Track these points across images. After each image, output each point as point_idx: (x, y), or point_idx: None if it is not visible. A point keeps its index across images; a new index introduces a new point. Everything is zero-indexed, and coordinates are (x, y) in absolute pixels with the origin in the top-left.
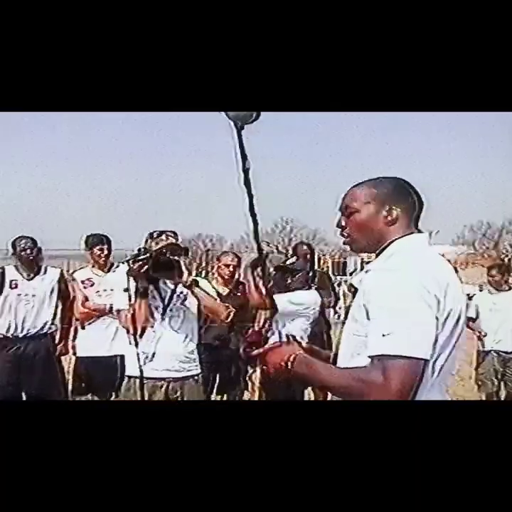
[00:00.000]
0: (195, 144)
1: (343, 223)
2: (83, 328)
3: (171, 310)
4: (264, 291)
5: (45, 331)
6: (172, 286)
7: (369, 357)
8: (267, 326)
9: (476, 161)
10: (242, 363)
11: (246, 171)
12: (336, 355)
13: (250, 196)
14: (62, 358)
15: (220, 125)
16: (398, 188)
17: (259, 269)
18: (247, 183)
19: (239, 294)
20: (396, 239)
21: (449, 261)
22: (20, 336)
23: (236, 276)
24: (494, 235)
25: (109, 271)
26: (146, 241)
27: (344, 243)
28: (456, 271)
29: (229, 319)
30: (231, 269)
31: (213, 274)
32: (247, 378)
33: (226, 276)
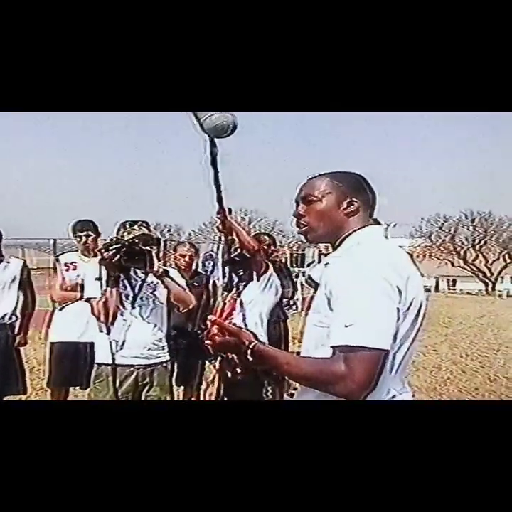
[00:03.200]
0: (157, 134)
1: (302, 212)
2: (61, 309)
3: (141, 299)
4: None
5: (4, 321)
6: (142, 276)
7: (331, 347)
8: (225, 314)
9: (434, 156)
10: (200, 352)
11: (214, 155)
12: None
13: (216, 172)
14: (31, 347)
15: (184, 115)
16: (358, 182)
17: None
18: (214, 164)
19: (196, 283)
20: (354, 230)
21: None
22: None
23: (193, 266)
24: (450, 228)
25: (95, 256)
26: (119, 230)
27: (299, 232)
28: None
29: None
30: (187, 259)
31: (171, 264)
32: (206, 368)
33: (183, 267)
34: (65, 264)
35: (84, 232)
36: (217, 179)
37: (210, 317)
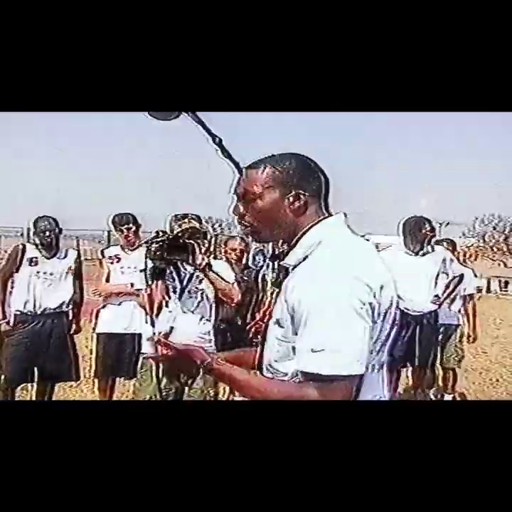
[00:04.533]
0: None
1: (242, 210)
2: (104, 306)
3: (188, 292)
4: None
5: (62, 309)
6: (191, 269)
7: (299, 371)
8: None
9: (489, 155)
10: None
11: (219, 144)
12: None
13: (235, 162)
14: (84, 336)
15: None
16: (303, 168)
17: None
18: (224, 152)
19: (246, 278)
20: (312, 225)
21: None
22: (38, 313)
23: (244, 260)
24: (505, 229)
25: (137, 248)
26: (170, 223)
27: (245, 233)
28: (465, 262)
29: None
30: (238, 253)
31: (221, 258)
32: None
33: (233, 261)
34: (109, 258)
35: (125, 226)
36: (240, 170)
37: (155, 337)
